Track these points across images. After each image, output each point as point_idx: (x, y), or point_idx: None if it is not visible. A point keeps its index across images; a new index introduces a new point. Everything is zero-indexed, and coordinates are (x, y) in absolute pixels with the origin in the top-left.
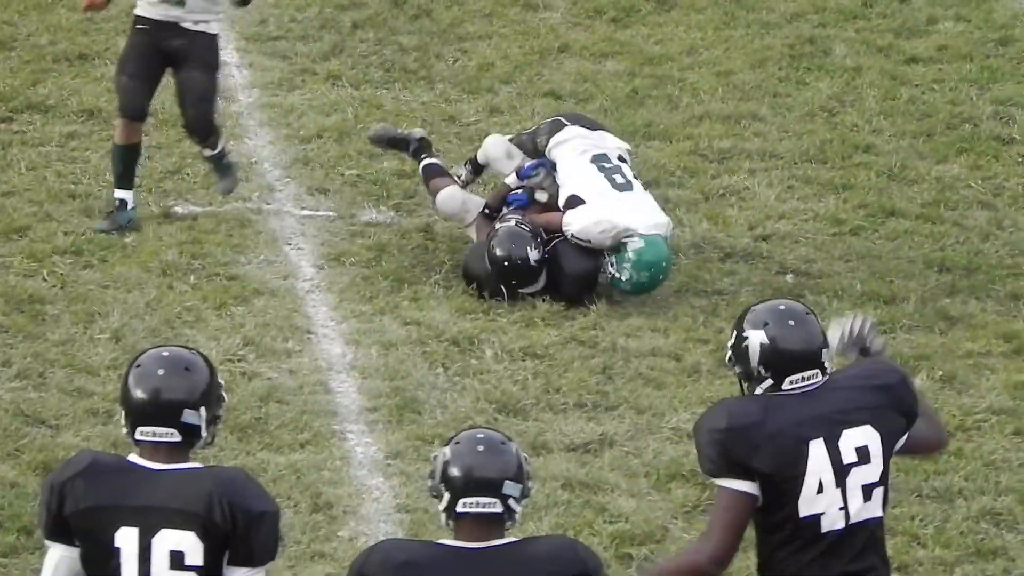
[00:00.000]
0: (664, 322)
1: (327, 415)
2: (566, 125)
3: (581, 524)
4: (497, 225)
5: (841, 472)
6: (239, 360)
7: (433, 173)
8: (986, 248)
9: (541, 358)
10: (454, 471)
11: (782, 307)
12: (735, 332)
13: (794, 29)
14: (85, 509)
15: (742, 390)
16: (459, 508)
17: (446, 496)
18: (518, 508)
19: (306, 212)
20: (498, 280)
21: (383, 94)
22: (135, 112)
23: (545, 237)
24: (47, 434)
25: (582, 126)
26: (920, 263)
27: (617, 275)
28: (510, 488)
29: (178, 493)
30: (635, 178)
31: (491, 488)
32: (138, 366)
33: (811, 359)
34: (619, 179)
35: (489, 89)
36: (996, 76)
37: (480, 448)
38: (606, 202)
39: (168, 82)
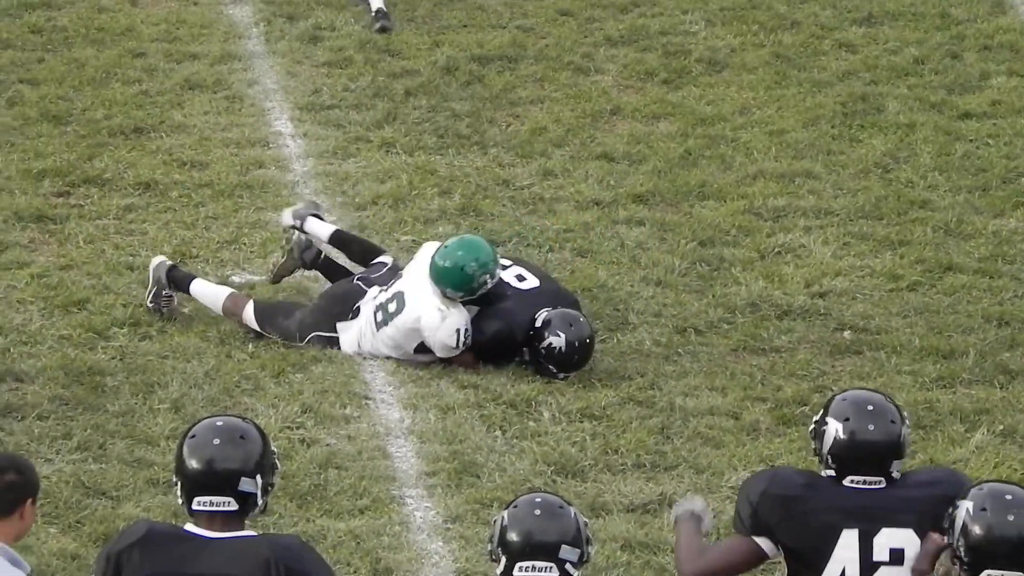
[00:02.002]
0: (722, 381)
1: (386, 480)
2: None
3: None
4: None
5: (868, 568)
6: (298, 427)
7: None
8: None
9: (599, 419)
10: (512, 535)
11: (871, 407)
12: (822, 411)
13: (846, 87)
14: None
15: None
16: (516, 572)
17: (503, 560)
18: (575, 572)
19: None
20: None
21: (437, 160)
22: None
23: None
24: (108, 505)
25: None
26: (978, 317)
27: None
28: (567, 552)
29: (235, 561)
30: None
31: (547, 552)
32: (193, 436)
33: (879, 466)
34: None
35: (542, 153)
36: None
37: (537, 512)
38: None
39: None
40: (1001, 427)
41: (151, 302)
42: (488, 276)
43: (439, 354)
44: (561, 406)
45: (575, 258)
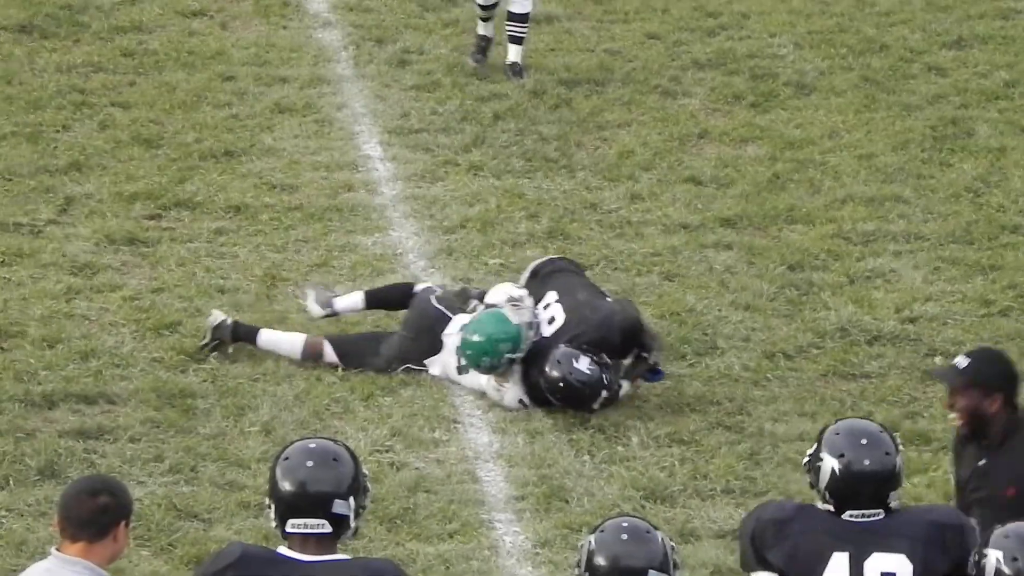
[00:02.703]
0: (811, 406)
1: (475, 504)
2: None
3: None
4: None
5: None
6: (387, 451)
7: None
8: None
9: (687, 444)
10: (599, 560)
11: (864, 441)
12: (815, 445)
13: (936, 111)
14: None
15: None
16: None
17: None
18: None
19: (422, 284)
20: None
21: (525, 183)
22: None
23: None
24: (199, 528)
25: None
26: None
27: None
28: None
29: None
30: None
31: None
32: (286, 459)
33: (877, 498)
34: None
35: (630, 176)
36: None
37: (625, 537)
38: None
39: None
40: None
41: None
42: (512, 354)
43: (512, 406)
44: (650, 431)
45: (663, 282)
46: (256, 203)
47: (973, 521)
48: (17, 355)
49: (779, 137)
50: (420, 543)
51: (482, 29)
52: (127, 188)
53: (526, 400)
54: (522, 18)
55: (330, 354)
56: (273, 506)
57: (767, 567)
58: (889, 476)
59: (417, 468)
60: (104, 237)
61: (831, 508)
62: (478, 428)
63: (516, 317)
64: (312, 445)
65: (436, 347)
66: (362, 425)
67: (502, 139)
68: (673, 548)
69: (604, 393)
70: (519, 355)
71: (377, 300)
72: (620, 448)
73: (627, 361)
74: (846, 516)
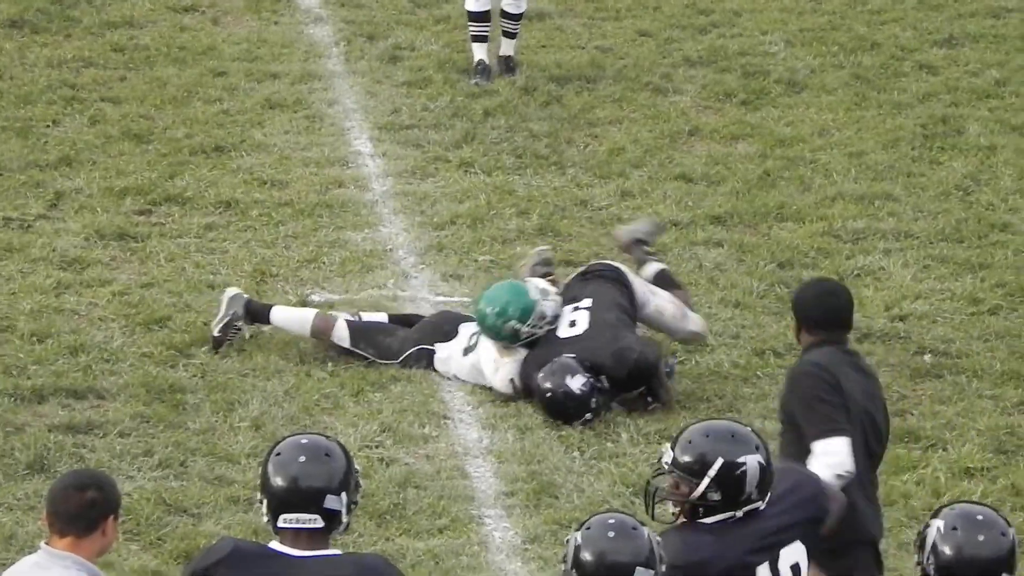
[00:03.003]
0: None
1: (464, 500)
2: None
3: None
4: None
5: None
6: (377, 446)
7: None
8: None
9: None
10: (585, 556)
11: (304, 440)
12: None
13: (926, 109)
14: None
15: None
16: None
17: None
18: None
19: (441, 298)
20: (548, 413)
21: (515, 180)
22: None
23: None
24: (189, 523)
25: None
26: None
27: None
28: (641, 574)
29: None
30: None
31: (622, 574)
32: (278, 454)
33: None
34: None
35: (620, 173)
36: None
37: (611, 533)
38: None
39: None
40: None
41: (219, 332)
42: (519, 324)
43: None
44: (639, 428)
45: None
46: (246, 199)
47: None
48: (6, 349)
49: (770, 135)
50: (410, 538)
51: (479, 53)
52: (117, 183)
53: (517, 383)
54: (516, 17)
55: (341, 329)
56: (265, 501)
57: None
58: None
59: (407, 464)
60: (94, 232)
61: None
62: (468, 424)
63: (537, 295)
64: (304, 441)
65: (451, 335)
66: (352, 421)
67: (493, 135)
68: (659, 543)
69: (588, 415)
70: (526, 329)
71: (400, 319)
72: (610, 444)
73: (629, 395)
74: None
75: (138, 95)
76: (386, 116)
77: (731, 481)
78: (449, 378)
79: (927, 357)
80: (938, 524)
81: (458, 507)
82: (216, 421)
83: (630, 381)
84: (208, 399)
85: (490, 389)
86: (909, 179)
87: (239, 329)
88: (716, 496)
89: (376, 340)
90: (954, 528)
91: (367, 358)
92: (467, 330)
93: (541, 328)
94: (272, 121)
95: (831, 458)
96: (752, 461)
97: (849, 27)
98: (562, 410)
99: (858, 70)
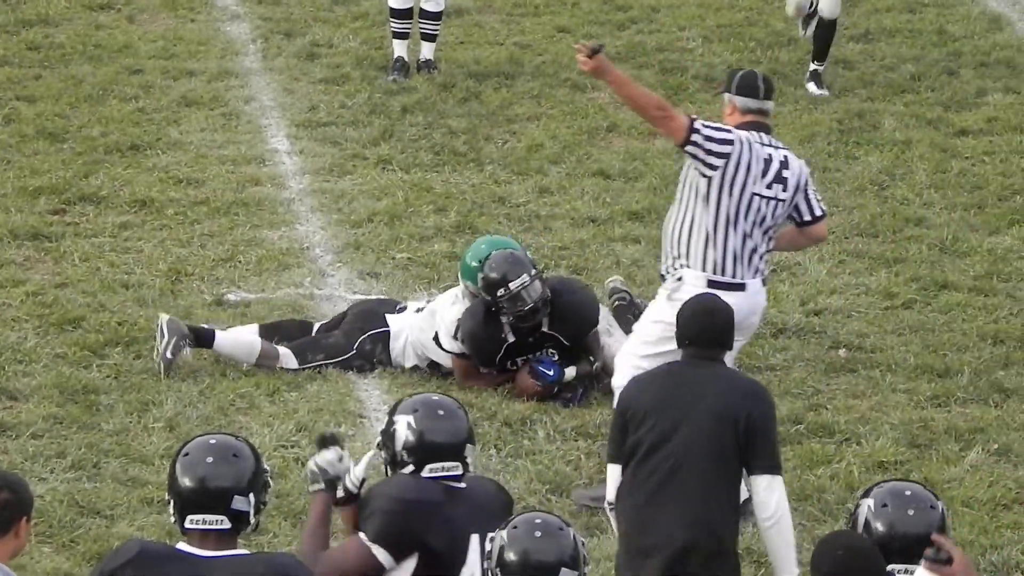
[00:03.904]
0: None
1: None
2: None
3: None
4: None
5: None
6: (292, 446)
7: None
8: None
9: (593, 437)
10: (510, 556)
11: (212, 441)
12: (388, 417)
13: (842, 104)
14: None
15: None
16: None
17: None
18: None
19: (358, 296)
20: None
21: (433, 177)
22: None
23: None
24: (101, 524)
25: None
26: (974, 336)
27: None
28: (566, 575)
29: None
30: None
31: (546, 574)
32: (186, 455)
33: (454, 452)
34: None
35: (539, 170)
36: None
37: (537, 533)
38: None
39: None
40: (996, 446)
41: (171, 353)
42: (491, 276)
43: (443, 343)
44: (556, 424)
45: (571, 275)
46: (161, 197)
47: None
48: None
49: None
50: None
51: (399, 49)
52: (31, 182)
53: (450, 333)
54: (435, 16)
55: (286, 356)
56: (172, 501)
57: (399, 550)
58: (462, 428)
59: None
60: (7, 232)
61: (412, 468)
62: (384, 422)
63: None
64: (212, 441)
65: (397, 310)
66: (267, 420)
67: (411, 132)
68: (583, 543)
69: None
70: (505, 285)
71: (272, 328)
72: (526, 442)
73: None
74: (425, 473)
75: (53, 93)
76: (303, 113)
77: (388, 436)
78: (399, 363)
79: (842, 352)
80: (868, 503)
81: None
82: (130, 422)
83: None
84: (122, 400)
85: (408, 387)
86: (825, 174)
87: (183, 348)
88: (383, 454)
89: (321, 344)
90: (884, 505)
91: (322, 365)
92: (414, 304)
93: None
94: (188, 119)
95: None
96: (403, 422)
97: (766, 23)
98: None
99: (775, 65)
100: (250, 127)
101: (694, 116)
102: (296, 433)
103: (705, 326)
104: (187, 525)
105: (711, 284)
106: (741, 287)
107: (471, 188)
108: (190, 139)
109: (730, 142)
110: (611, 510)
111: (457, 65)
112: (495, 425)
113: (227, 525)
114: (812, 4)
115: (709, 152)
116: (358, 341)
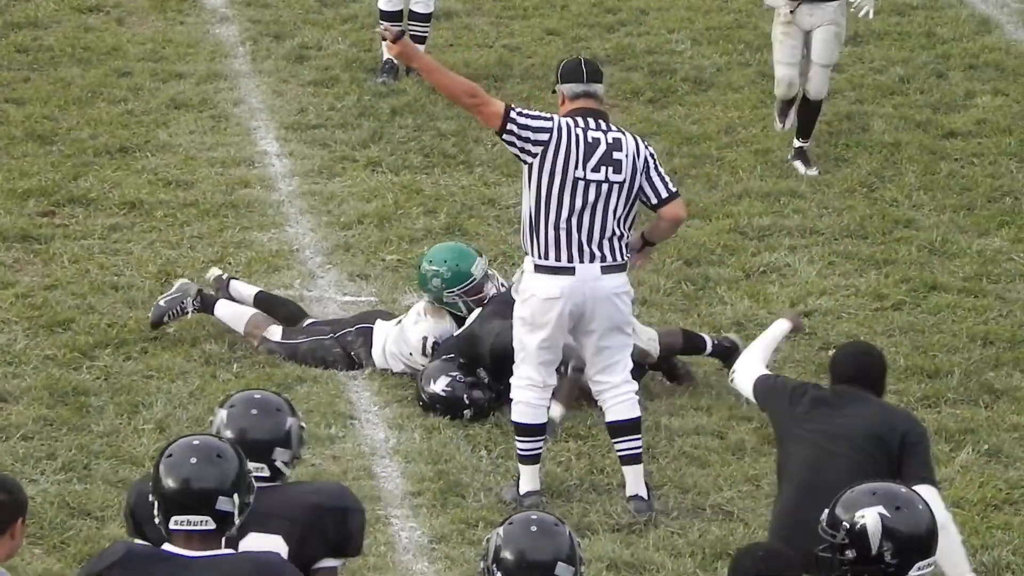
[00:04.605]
0: (707, 400)
1: (371, 500)
2: None
3: None
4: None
5: None
6: None
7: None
8: None
9: (584, 439)
10: (506, 553)
11: (196, 441)
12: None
13: (831, 106)
14: None
15: None
16: None
17: None
18: None
19: (348, 298)
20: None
21: (423, 179)
22: None
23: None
24: (92, 526)
25: None
26: (963, 337)
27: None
28: (562, 570)
29: None
30: None
31: (543, 570)
32: (169, 456)
33: (262, 452)
34: None
35: None
36: None
37: (533, 529)
38: None
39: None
40: (986, 447)
41: (165, 302)
42: (442, 281)
43: (416, 357)
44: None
45: None
46: (151, 199)
47: None
48: None
49: (676, 132)
50: None
51: (388, 51)
52: (20, 184)
53: (428, 346)
54: (425, 18)
55: (273, 330)
56: (156, 502)
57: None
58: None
59: (313, 465)
60: None
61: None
62: (374, 424)
63: (480, 271)
64: (196, 442)
65: (389, 318)
66: None
67: (400, 135)
68: (578, 542)
69: (467, 412)
70: (447, 294)
71: (268, 299)
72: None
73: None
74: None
75: (42, 96)
76: (293, 116)
77: None
78: (377, 365)
79: (831, 353)
80: (876, 511)
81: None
82: (120, 423)
83: (496, 368)
84: (112, 401)
85: (398, 388)
86: (815, 176)
87: (184, 310)
88: None
89: (306, 328)
90: (898, 508)
91: (301, 345)
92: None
93: (465, 302)
94: (177, 121)
95: None
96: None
97: (755, 25)
98: (441, 411)
99: (764, 68)
100: (239, 129)
101: (512, 104)
102: None
103: (862, 365)
104: (172, 527)
105: (537, 268)
106: (570, 271)
107: (461, 190)
108: (179, 141)
109: (547, 129)
110: (732, 380)
111: (446, 67)
112: (486, 427)
113: (211, 526)
114: (794, 99)
115: (526, 140)
116: (342, 330)
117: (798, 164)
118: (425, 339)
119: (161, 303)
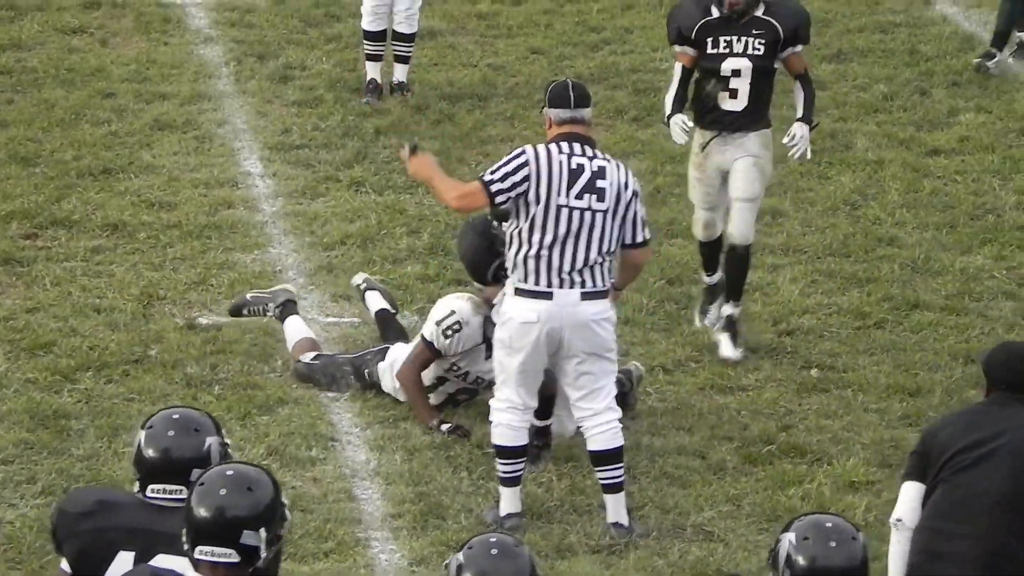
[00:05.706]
0: (689, 420)
1: (351, 523)
2: None
3: None
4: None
5: None
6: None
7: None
8: (1011, 339)
9: (565, 459)
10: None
11: (230, 472)
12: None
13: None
14: None
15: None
16: None
17: None
18: None
19: (331, 319)
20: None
21: (406, 199)
22: None
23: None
24: None
25: None
26: (945, 355)
27: None
28: None
29: None
30: None
31: None
32: (202, 484)
33: (179, 473)
34: None
35: None
36: (1018, 166)
37: (494, 552)
38: None
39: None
40: None
41: (251, 296)
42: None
43: (424, 331)
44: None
45: None
46: (134, 221)
47: None
48: None
49: (660, 151)
50: (295, 563)
51: (372, 71)
52: (3, 207)
53: (451, 320)
54: (409, 38)
55: (311, 354)
56: (184, 529)
57: (59, 550)
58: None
59: (294, 487)
60: None
61: (137, 485)
62: (356, 446)
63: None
64: (230, 472)
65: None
66: (238, 444)
67: (384, 155)
68: (538, 564)
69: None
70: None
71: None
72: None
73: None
74: (149, 493)
75: (25, 118)
76: (276, 136)
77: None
78: (383, 382)
79: (813, 371)
80: (789, 537)
81: (344, 530)
82: (100, 447)
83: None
84: (93, 425)
85: (379, 410)
86: (798, 194)
87: (265, 312)
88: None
89: (336, 353)
90: (805, 538)
91: (315, 364)
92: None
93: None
94: (161, 142)
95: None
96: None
97: None
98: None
99: None
100: (223, 150)
101: (481, 175)
102: (267, 457)
103: (1020, 370)
104: (197, 556)
105: (517, 291)
106: (547, 295)
107: (444, 210)
108: (162, 162)
109: (524, 164)
110: (896, 527)
111: (431, 87)
112: (467, 448)
113: (235, 559)
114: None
115: (515, 185)
116: (369, 350)
117: (724, 338)
118: (452, 312)
119: (248, 296)
